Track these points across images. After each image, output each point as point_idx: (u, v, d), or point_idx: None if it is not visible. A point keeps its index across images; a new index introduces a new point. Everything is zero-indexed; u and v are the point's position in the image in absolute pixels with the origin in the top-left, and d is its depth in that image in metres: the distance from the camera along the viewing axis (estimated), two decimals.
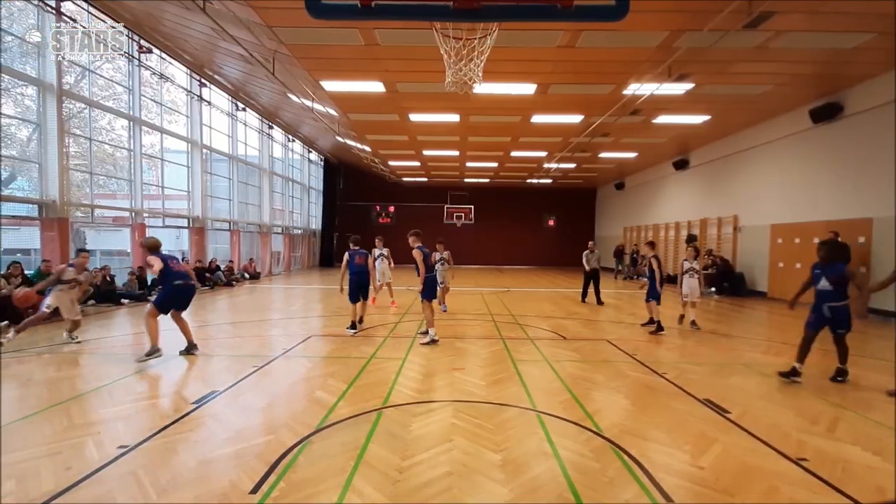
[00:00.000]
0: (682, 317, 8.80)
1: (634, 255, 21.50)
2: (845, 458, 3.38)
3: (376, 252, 9.83)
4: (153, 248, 6.09)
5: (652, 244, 8.81)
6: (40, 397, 4.47)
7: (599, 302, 11.75)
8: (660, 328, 7.89)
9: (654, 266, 8.06)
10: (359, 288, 7.79)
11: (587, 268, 11.92)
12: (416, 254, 6.93)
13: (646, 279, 8.27)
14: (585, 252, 12.01)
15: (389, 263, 10.73)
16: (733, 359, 6.30)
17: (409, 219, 27.82)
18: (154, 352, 5.78)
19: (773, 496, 2.87)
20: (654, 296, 8.01)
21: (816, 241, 11.46)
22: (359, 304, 7.87)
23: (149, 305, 6.00)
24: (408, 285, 14.43)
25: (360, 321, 7.98)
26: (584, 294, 12.35)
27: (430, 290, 7.07)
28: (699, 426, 3.93)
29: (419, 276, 6.97)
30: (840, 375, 5.29)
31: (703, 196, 17.74)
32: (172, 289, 5.97)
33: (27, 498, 2.72)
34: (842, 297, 5.17)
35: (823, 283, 5.24)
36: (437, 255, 9.41)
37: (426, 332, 7.00)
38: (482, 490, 2.88)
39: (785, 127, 13.06)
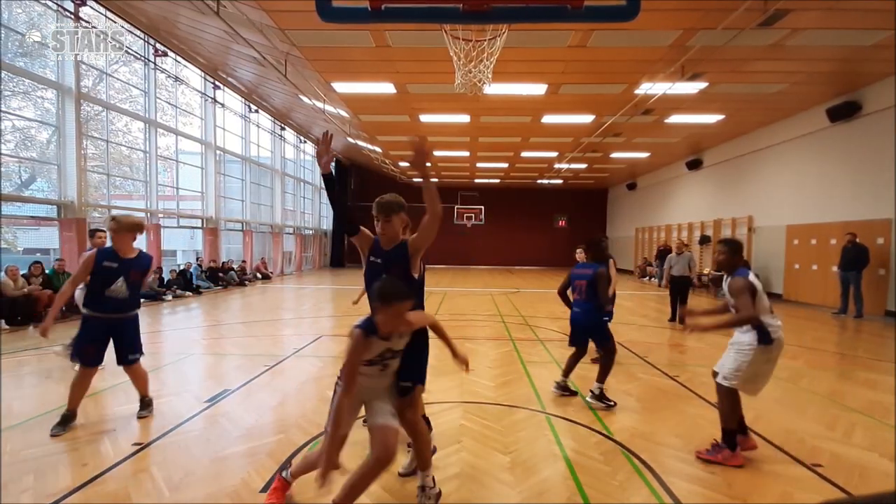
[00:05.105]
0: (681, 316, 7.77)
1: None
2: (862, 464, 3.32)
3: None
4: None
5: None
6: (58, 394, 4.56)
7: (681, 320, 8.53)
8: None
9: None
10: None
11: (673, 275, 9.06)
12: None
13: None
14: (670, 255, 9.23)
15: None
16: None
17: (418, 220, 27.84)
18: None
19: (786, 502, 2.82)
20: None
21: (833, 242, 11.51)
22: None
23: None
24: None
25: None
26: (675, 313, 9.14)
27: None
28: (711, 430, 3.87)
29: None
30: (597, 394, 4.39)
31: (717, 196, 17.50)
32: None
33: (44, 493, 2.78)
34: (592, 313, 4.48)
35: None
36: None
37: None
38: (491, 492, 2.88)
39: (801, 126, 12.84)
